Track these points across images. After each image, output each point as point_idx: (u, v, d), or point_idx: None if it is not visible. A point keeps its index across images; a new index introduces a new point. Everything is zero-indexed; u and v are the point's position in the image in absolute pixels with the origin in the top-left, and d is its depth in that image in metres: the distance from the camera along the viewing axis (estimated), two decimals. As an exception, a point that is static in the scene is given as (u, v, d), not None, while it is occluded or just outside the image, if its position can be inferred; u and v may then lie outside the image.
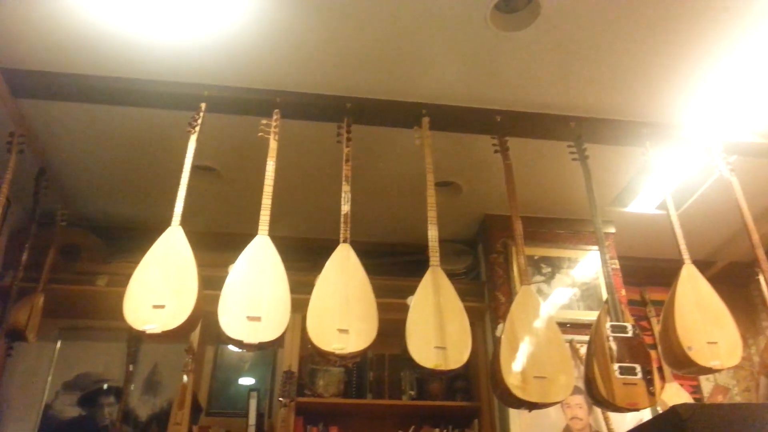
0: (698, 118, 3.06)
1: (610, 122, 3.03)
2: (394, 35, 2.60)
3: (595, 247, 3.79)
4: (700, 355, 2.35)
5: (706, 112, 3.02)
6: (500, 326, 2.39)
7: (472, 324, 3.69)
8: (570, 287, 3.70)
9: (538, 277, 3.68)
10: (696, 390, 4.23)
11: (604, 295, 3.58)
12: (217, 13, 2.49)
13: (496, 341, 2.36)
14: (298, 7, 2.46)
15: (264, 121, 2.70)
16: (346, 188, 2.52)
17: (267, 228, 2.37)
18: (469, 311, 3.80)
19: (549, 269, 3.69)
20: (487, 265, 3.79)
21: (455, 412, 3.57)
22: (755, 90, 2.88)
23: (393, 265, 3.85)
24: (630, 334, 2.39)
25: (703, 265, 4.41)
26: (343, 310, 2.24)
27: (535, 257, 3.72)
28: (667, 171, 3.38)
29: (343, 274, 2.32)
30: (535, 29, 2.52)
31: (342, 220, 2.45)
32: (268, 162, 2.55)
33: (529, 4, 2.46)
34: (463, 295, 3.91)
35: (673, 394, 3.91)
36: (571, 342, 3.43)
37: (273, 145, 2.62)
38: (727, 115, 3.05)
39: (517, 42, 2.60)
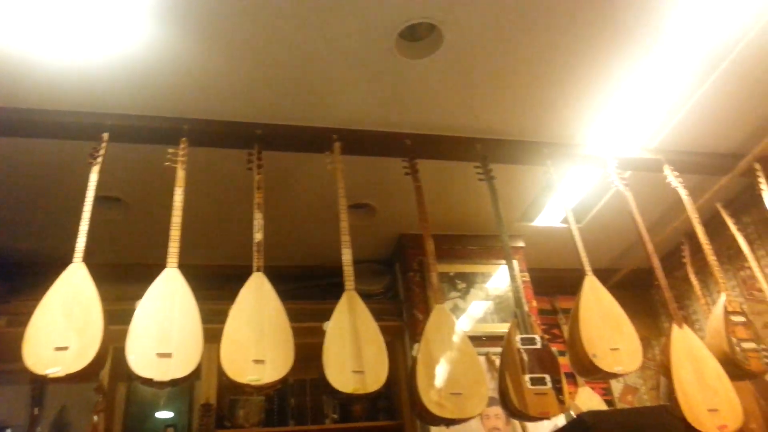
0: (595, 137, 3.25)
1: (514, 143, 3.16)
2: (301, 62, 2.62)
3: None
4: (604, 361, 2.48)
5: (602, 131, 3.21)
6: (415, 346, 2.43)
7: (391, 343, 3.79)
8: (484, 301, 3.82)
9: (454, 293, 3.77)
10: (607, 392, 4.45)
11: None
12: (116, 40, 2.43)
13: (413, 361, 2.40)
14: (199, 33, 2.43)
15: (171, 150, 2.64)
16: (258, 216, 2.51)
17: (176, 260, 2.31)
18: (388, 330, 3.90)
19: (464, 284, 3.79)
20: (404, 283, 3.85)
21: (379, 432, 3.59)
22: (643, 109, 3.10)
23: (310, 289, 3.85)
24: (539, 345, 2.49)
25: (607, 273, 4.70)
26: (257, 340, 2.21)
27: (451, 273, 3.81)
28: (568, 187, 3.57)
29: (257, 304, 2.30)
30: (438, 57, 2.62)
31: (255, 248, 2.43)
32: (176, 191, 2.50)
33: (432, 33, 2.55)
34: (381, 314, 4.03)
35: (586, 398, 4.09)
36: (487, 355, 3.53)
37: (181, 174, 2.57)
38: (620, 133, 3.25)
39: (422, 68, 2.69)
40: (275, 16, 2.39)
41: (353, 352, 2.27)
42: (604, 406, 4.04)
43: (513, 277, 2.71)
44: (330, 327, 2.33)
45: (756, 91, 3.02)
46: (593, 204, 3.84)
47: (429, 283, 3.71)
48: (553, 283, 4.38)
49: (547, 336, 4.26)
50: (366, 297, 3.92)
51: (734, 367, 2.73)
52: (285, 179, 3.32)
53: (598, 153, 3.25)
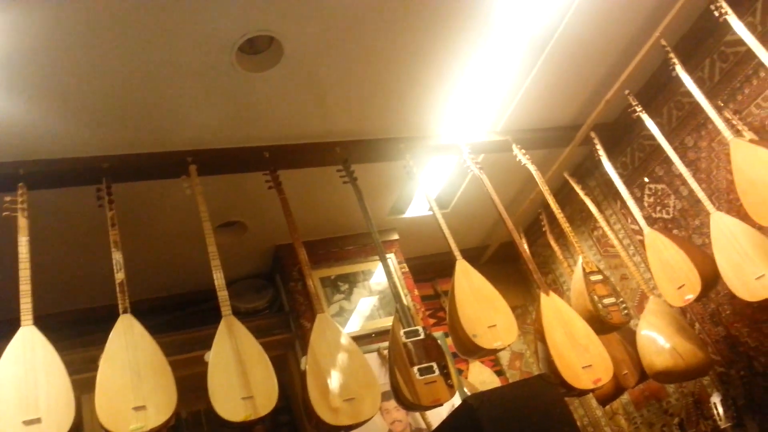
0: (447, 127, 3.39)
1: (372, 142, 3.23)
2: (141, 86, 2.50)
3: (387, 255, 4.03)
4: (484, 339, 2.61)
5: (453, 120, 3.36)
6: (303, 359, 2.42)
7: (283, 356, 3.76)
8: (369, 298, 3.87)
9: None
10: (496, 363, 4.68)
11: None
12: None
13: (302, 375, 2.39)
14: (21, 80, 2.25)
15: (8, 198, 2.43)
16: (116, 255, 2.38)
17: (30, 317, 2.14)
18: (279, 343, 3.87)
19: (346, 285, 3.82)
20: (287, 295, 3.81)
21: (283, 448, 3.54)
22: (486, 95, 3.27)
23: (191, 317, 3.70)
24: (422, 335, 2.58)
25: (480, 250, 4.94)
26: (134, 385, 2.10)
27: (332, 277, 3.83)
28: (431, 176, 3.70)
29: (129, 348, 2.18)
30: (281, 68, 2.60)
31: (118, 289, 2.30)
32: (20, 241, 2.31)
33: (271, 46, 2.53)
34: (270, 329, 3.97)
35: (477, 372, 4.27)
36: (378, 350, 3.59)
37: (23, 222, 2.37)
38: (470, 120, 3.42)
39: (267, 81, 2.66)
40: (107, 43, 2.27)
41: (239, 378, 2.22)
42: (495, 378, 4.24)
43: (388, 274, 2.77)
44: (212, 356, 2.26)
45: (580, 68, 3.29)
46: (456, 188, 4.01)
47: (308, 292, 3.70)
48: (433, 268, 4.52)
49: (433, 320, 4.42)
50: (251, 314, 3.90)
51: (599, 323, 2.98)
52: (146, 209, 3.16)
53: (452, 141, 3.39)
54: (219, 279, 2.43)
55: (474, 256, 4.98)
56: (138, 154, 2.79)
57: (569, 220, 4.36)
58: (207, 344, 2.34)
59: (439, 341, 2.69)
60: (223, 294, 2.40)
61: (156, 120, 2.69)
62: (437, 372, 2.47)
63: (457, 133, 3.43)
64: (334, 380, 2.34)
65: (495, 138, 3.53)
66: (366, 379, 2.38)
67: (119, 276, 2.33)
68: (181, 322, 3.63)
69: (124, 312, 2.27)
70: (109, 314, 2.34)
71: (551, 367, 2.67)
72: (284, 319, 3.83)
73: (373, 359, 3.49)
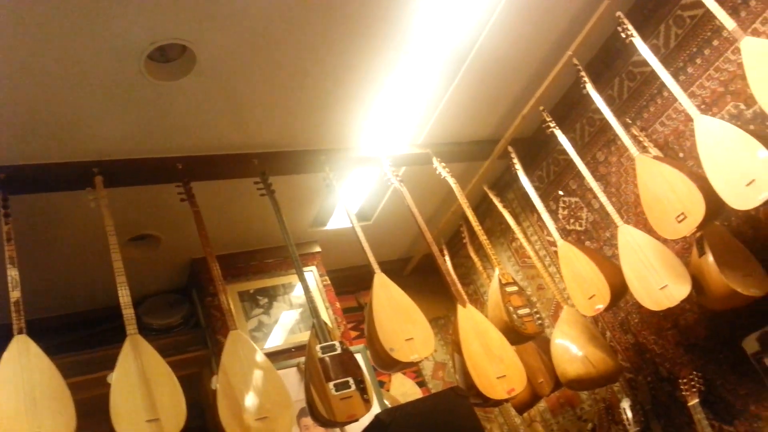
0: (368, 139, 3.39)
1: (291, 154, 3.18)
2: (44, 95, 2.37)
3: (307, 269, 3.98)
4: (401, 353, 2.60)
5: (374, 132, 3.36)
6: (214, 378, 2.34)
7: (199, 373, 3.63)
8: (290, 311, 3.81)
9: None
10: (419, 374, 4.70)
11: (321, 315, 3.76)
12: None
13: (213, 394, 2.31)
14: None
15: None
16: (12, 272, 2.23)
17: None
18: (195, 360, 3.74)
19: (266, 299, 3.74)
20: (204, 310, 3.69)
21: (199, 469, 3.41)
22: (406, 108, 3.30)
23: (97, 336, 3.52)
24: (339, 350, 2.55)
25: (404, 262, 4.96)
26: (30, 412, 1.97)
27: (251, 291, 3.74)
28: (352, 188, 3.69)
29: (23, 371, 2.04)
30: (195, 77, 2.53)
31: (13, 308, 2.16)
32: None
33: (183, 54, 2.45)
34: (186, 345, 3.84)
35: (399, 384, 4.28)
36: (298, 365, 3.52)
37: None
38: (390, 133, 3.43)
39: (179, 90, 2.58)
40: (4, 49, 2.13)
41: (145, 400, 2.12)
42: (417, 390, 4.26)
43: (305, 288, 2.73)
44: (115, 378, 2.15)
45: (497, 84, 3.37)
46: (379, 200, 4.01)
47: (230, 306, 3.60)
48: (355, 280, 4.50)
49: (355, 333, 4.40)
50: (165, 331, 3.75)
51: (514, 333, 3.04)
52: (50, 222, 2.99)
53: (373, 153, 3.39)
54: (124, 296, 2.32)
55: (398, 268, 5.00)
56: (39, 165, 2.63)
57: (489, 232, 4.47)
58: (113, 365, 2.23)
59: (360, 355, 2.67)
60: (128, 312, 2.29)
61: (60, 129, 2.55)
62: (353, 387, 2.45)
63: (378, 145, 3.43)
64: (247, 399, 2.28)
65: (416, 151, 3.56)
66: (280, 398, 2.33)
67: (14, 294, 2.18)
68: (88, 341, 3.45)
69: (20, 333, 2.13)
70: (5, 335, 2.19)
71: (467, 377, 2.70)
72: (200, 335, 3.71)
73: (293, 375, 3.43)
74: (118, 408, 2.08)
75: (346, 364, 2.52)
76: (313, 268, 3.94)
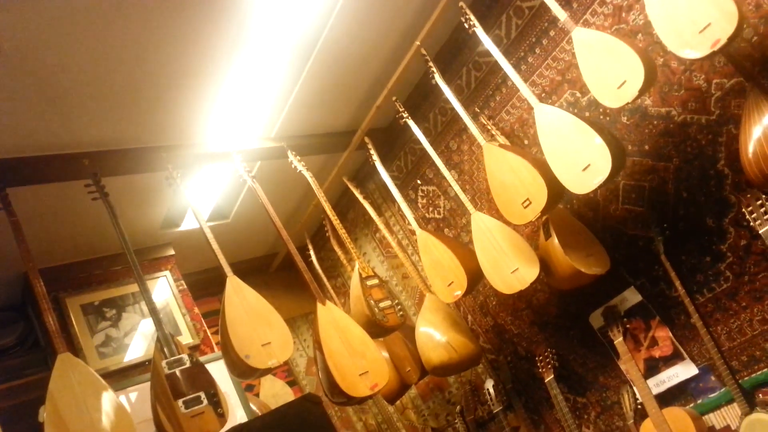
0: (217, 134, 3.20)
1: (128, 152, 2.92)
2: None
3: (160, 274, 3.72)
4: (258, 360, 2.47)
5: (223, 126, 3.17)
6: (41, 409, 2.08)
7: (41, 397, 3.27)
8: (144, 321, 3.54)
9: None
10: (289, 373, 4.59)
11: (178, 321, 3.53)
12: None
13: (40, 428, 2.06)
14: None
15: None
16: None
17: None
18: (36, 384, 3.37)
19: (113, 311, 3.45)
20: (42, 328, 3.33)
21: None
22: (256, 101, 3.14)
23: None
24: (188, 363, 2.38)
25: (269, 258, 4.81)
26: None
27: (96, 303, 3.42)
28: (203, 186, 3.48)
29: None
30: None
31: None
32: None
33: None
34: (23, 368, 3.45)
35: (270, 387, 4.15)
36: (154, 379, 3.28)
37: None
38: (241, 126, 3.26)
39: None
40: None
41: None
42: (288, 390, 4.15)
43: (147, 300, 2.52)
44: None
45: (349, 74, 3.30)
46: (236, 197, 3.82)
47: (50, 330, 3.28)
48: (216, 282, 4.20)
49: (218, 337, 4.19)
50: (-1, 353, 3.34)
51: (377, 327, 3.01)
52: None
53: (223, 149, 3.21)
54: None
55: (263, 265, 4.84)
56: None
57: (354, 223, 4.44)
58: None
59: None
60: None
61: None
62: (205, 402, 2.29)
63: (228, 139, 3.25)
64: (79, 430, 2.05)
65: (269, 144, 3.41)
66: (121, 424, 2.12)
67: None
68: None
69: None
70: None
71: (329, 377, 2.63)
72: (40, 356, 3.34)
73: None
74: None
75: (196, 377, 2.35)
76: (167, 272, 3.69)
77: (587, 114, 2.88)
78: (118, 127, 2.80)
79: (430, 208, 3.78)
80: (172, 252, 3.82)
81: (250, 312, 2.61)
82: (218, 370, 2.75)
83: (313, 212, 4.18)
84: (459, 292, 3.00)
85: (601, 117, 2.84)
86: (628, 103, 2.28)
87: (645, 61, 2.26)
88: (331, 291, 4.05)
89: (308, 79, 3.15)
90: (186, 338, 3.50)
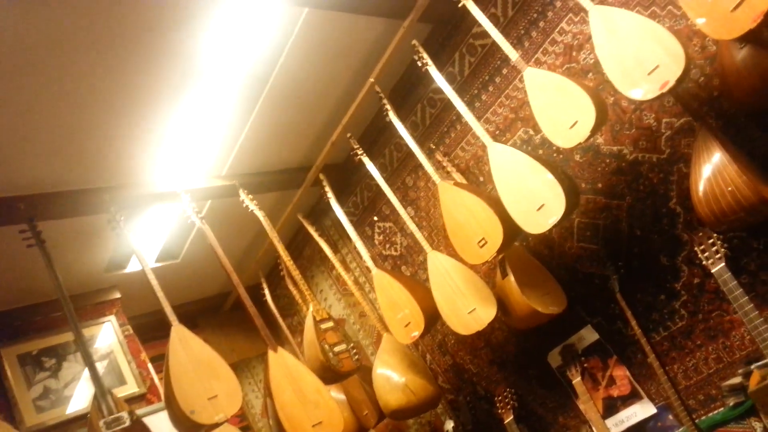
0: (164, 173, 3.08)
1: (68, 194, 2.79)
2: None
3: (106, 318, 3.55)
4: (204, 415, 2.35)
5: (170, 166, 3.07)
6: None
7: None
8: (86, 371, 3.35)
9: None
10: (243, 417, 4.42)
11: (123, 369, 3.36)
12: None
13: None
14: None
15: None
16: None
17: None
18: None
19: (53, 360, 3.25)
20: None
21: None
22: (205, 141, 3.05)
23: None
24: (127, 422, 2.23)
25: (223, 297, 4.66)
26: None
27: (33, 353, 3.22)
28: (150, 227, 3.34)
29: None
30: None
31: None
32: None
33: None
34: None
35: (222, 433, 3.97)
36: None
37: None
38: (190, 166, 3.16)
39: None
40: None
41: None
42: (242, 435, 3.99)
43: (84, 353, 2.37)
44: None
45: (302, 111, 3.24)
46: (186, 237, 3.69)
47: (7, 372, 3.08)
48: (165, 325, 4.06)
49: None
50: None
51: (331, 372, 2.90)
52: None
53: (170, 188, 3.09)
54: None
55: (216, 304, 4.68)
56: None
57: (310, 260, 4.33)
58: None
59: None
60: None
61: None
62: (144, 463, 2.15)
63: (176, 179, 3.14)
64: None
65: (220, 183, 3.31)
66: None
67: None
68: None
69: None
70: None
71: (280, 429, 2.51)
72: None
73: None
74: None
75: (136, 436, 2.21)
76: (112, 317, 3.51)
77: (541, 152, 2.87)
78: (57, 168, 2.67)
79: (387, 245, 3.71)
80: (117, 295, 3.65)
81: (195, 364, 2.48)
82: (165, 421, 2.60)
83: (268, 250, 4.07)
84: (416, 333, 2.92)
85: (555, 155, 2.84)
86: (580, 144, 2.27)
87: (596, 101, 2.26)
88: (286, 331, 3.92)
89: (260, 116, 3.07)
90: (131, 387, 3.32)
